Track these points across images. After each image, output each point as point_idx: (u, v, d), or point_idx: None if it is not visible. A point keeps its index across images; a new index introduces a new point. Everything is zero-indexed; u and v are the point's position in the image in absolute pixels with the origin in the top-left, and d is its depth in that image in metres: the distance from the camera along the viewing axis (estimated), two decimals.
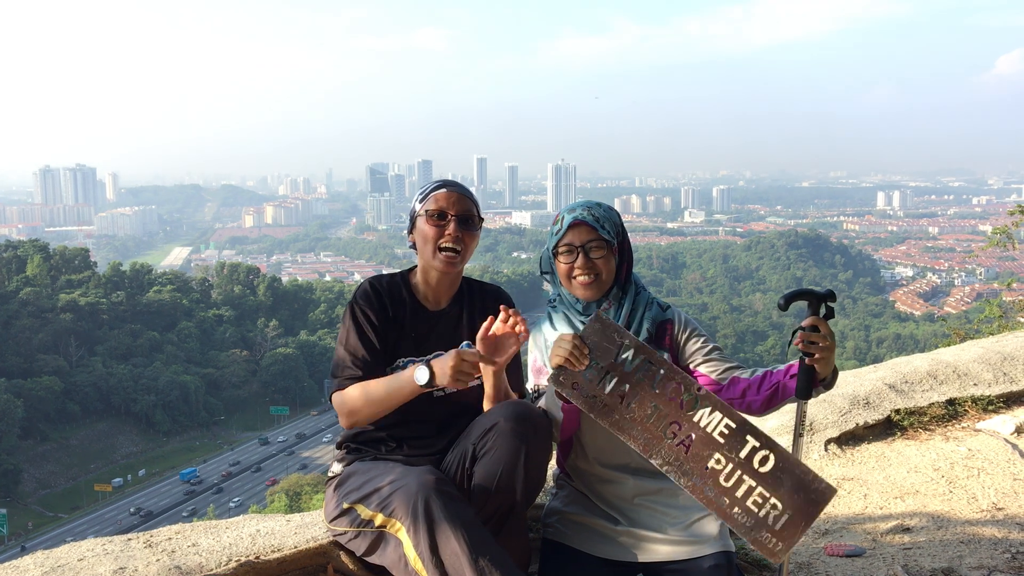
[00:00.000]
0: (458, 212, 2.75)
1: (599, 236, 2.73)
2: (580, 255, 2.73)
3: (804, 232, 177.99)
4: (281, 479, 63.42)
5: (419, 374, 2.50)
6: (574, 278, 2.76)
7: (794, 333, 2.53)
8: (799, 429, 2.60)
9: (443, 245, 2.74)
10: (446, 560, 2.32)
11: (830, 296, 2.52)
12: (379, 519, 2.53)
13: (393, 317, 2.81)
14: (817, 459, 4.74)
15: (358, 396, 2.65)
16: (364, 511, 2.58)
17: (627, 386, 2.47)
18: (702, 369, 2.76)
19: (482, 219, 2.87)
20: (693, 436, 2.42)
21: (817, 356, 2.47)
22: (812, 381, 2.53)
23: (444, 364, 2.45)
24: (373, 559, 2.64)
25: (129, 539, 3.17)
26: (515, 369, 2.87)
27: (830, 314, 2.52)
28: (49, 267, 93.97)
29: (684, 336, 2.80)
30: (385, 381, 2.63)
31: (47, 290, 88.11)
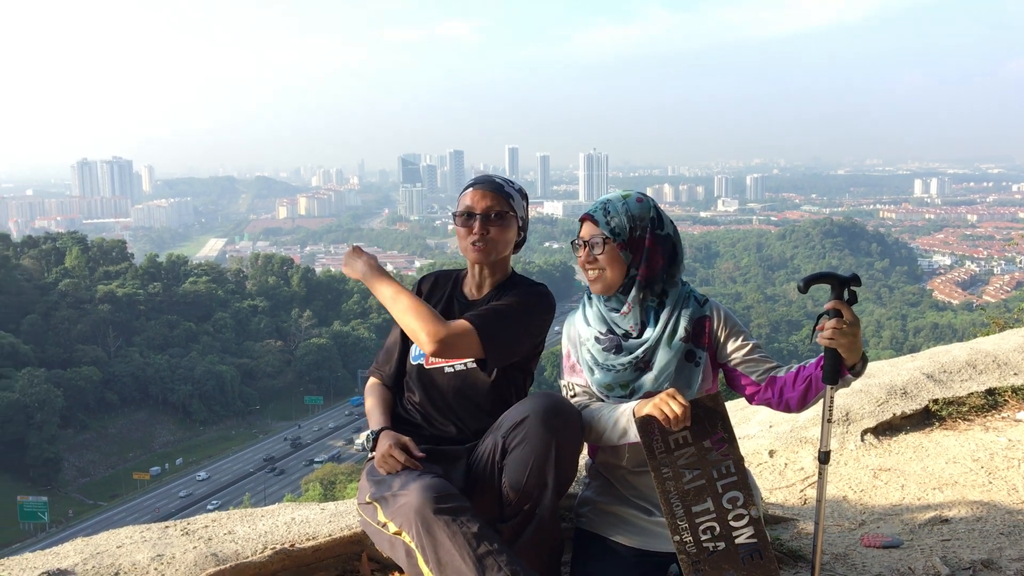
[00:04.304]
0: (483, 209, 2.81)
1: (601, 232, 2.72)
2: (585, 250, 2.75)
3: (839, 220, 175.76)
4: (315, 468, 64.15)
5: (365, 437, 2.88)
6: (586, 272, 2.79)
7: (818, 319, 2.50)
8: (827, 415, 2.58)
9: (471, 241, 2.81)
10: None
11: (853, 280, 2.47)
12: (392, 527, 2.53)
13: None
14: (853, 449, 4.68)
15: (367, 398, 3.04)
16: (380, 514, 2.59)
17: (699, 471, 2.50)
18: (741, 369, 2.73)
19: (513, 211, 2.86)
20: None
21: (840, 341, 2.44)
22: (838, 365, 2.49)
23: (381, 444, 2.73)
24: (394, 560, 2.65)
25: (166, 527, 3.22)
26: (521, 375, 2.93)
27: (853, 298, 2.48)
28: (87, 259, 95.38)
29: (724, 333, 2.76)
30: (372, 406, 2.98)
31: (85, 281, 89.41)
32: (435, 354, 2.65)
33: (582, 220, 2.81)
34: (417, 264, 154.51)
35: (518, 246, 2.96)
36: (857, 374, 2.53)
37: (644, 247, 2.73)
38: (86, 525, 59.17)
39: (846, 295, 2.47)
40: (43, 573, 2.67)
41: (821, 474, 2.64)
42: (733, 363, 2.74)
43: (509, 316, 2.73)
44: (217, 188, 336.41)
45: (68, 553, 2.96)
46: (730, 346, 2.74)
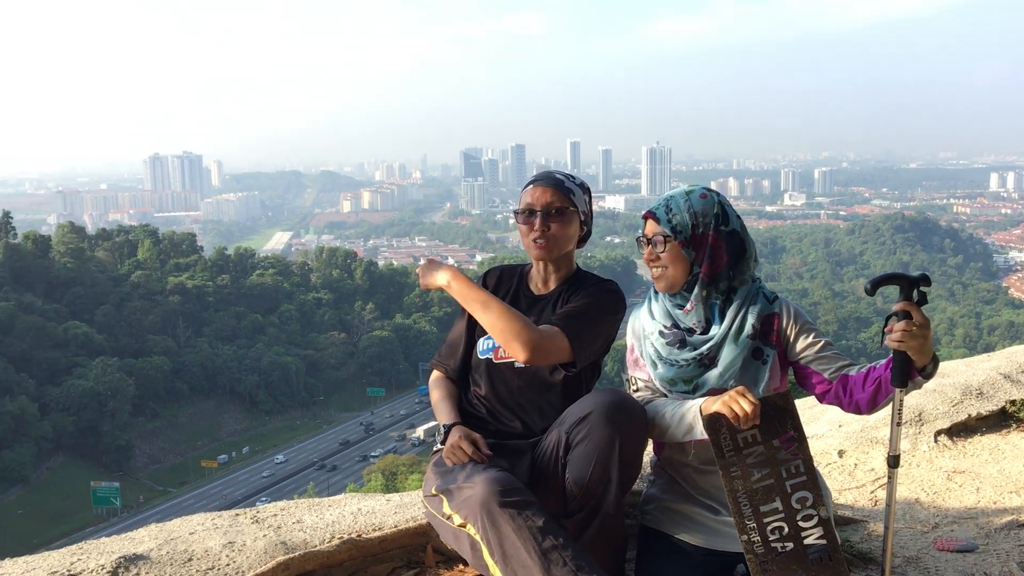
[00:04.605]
0: (543, 206, 2.82)
1: (663, 230, 2.69)
2: (648, 247, 2.74)
3: (911, 215, 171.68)
4: (377, 459, 65.09)
5: (437, 431, 2.89)
6: (650, 269, 2.77)
7: (887, 320, 2.44)
8: (896, 418, 2.52)
9: (532, 238, 2.83)
10: (518, 572, 2.34)
11: (923, 280, 2.41)
12: (457, 519, 2.55)
13: None
14: (927, 450, 4.57)
15: (432, 391, 3.06)
16: (446, 506, 2.60)
17: (767, 470, 2.46)
18: (813, 367, 2.67)
19: (574, 206, 2.85)
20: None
21: (910, 344, 2.38)
22: (907, 368, 2.43)
23: (451, 437, 2.74)
24: (459, 551, 2.67)
25: (236, 514, 3.29)
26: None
27: (923, 299, 2.41)
28: (158, 251, 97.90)
29: (794, 331, 2.70)
30: (439, 399, 2.99)
31: (156, 273, 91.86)
32: (528, 360, 2.63)
33: (645, 217, 2.78)
34: (478, 258, 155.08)
35: (583, 240, 2.95)
36: (928, 376, 2.47)
37: (707, 244, 2.69)
38: (156, 511, 60.89)
39: (915, 296, 2.41)
40: (120, 557, 2.74)
41: (891, 478, 2.58)
42: (804, 360, 2.69)
43: (589, 316, 2.73)
44: (283, 182, 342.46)
45: (143, 538, 3.05)
46: (800, 343, 2.69)
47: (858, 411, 2.60)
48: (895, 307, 2.41)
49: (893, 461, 2.57)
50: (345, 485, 60.23)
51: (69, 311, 78.49)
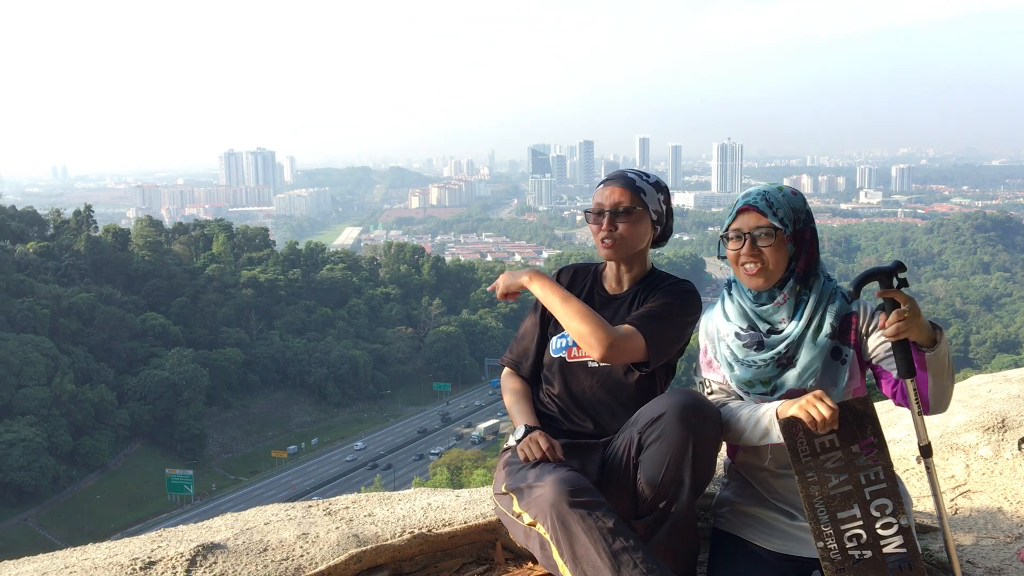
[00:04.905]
0: (611, 205, 2.81)
1: (768, 224, 2.59)
2: (747, 242, 2.61)
3: (993, 214, 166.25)
4: (442, 453, 65.67)
5: (516, 432, 2.81)
6: (741, 265, 2.65)
7: (873, 316, 2.54)
8: (915, 408, 2.52)
9: (600, 237, 2.83)
10: (588, 573, 2.34)
11: (899, 267, 2.42)
12: (527, 518, 2.55)
13: None
14: (1009, 458, 4.41)
15: (504, 389, 3.06)
16: (516, 504, 2.61)
17: (846, 476, 2.42)
18: (884, 365, 2.61)
19: (643, 206, 2.82)
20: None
21: (909, 329, 2.38)
22: (910, 357, 2.45)
23: (532, 435, 2.72)
24: (528, 549, 2.67)
25: (309, 506, 3.35)
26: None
27: (904, 285, 2.43)
28: (232, 245, 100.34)
29: (869, 329, 2.65)
30: (514, 399, 2.97)
31: (230, 267, 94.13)
32: (604, 359, 2.66)
33: (739, 211, 2.66)
34: (544, 254, 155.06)
35: (662, 240, 2.93)
36: (936, 347, 2.44)
37: (804, 239, 2.65)
38: (227, 499, 62.43)
39: (895, 284, 2.43)
40: (198, 546, 2.82)
41: (929, 469, 2.57)
42: (876, 359, 2.63)
43: (667, 317, 2.74)
44: (353, 178, 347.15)
45: (219, 527, 3.13)
46: (873, 342, 2.63)
47: (926, 411, 2.56)
48: (876, 294, 2.43)
49: (925, 451, 2.54)
50: (411, 478, 60.94)
51: (147, 303, 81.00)
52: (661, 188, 2.88)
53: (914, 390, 2.48)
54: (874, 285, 2.48)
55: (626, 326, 2.67)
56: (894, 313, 2.38)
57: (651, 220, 2.84)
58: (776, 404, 2.53)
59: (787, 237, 2.61)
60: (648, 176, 2.88)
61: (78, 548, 3.08)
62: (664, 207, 2.88)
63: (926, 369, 2.46)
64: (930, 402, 2.52)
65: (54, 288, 74.04)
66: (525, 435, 2.76)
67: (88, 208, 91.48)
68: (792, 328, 2.64)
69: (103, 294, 77.47)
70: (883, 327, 2.41)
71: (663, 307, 2.75)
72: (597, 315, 2.66)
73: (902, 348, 2.43)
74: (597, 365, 2.83)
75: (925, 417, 2.55)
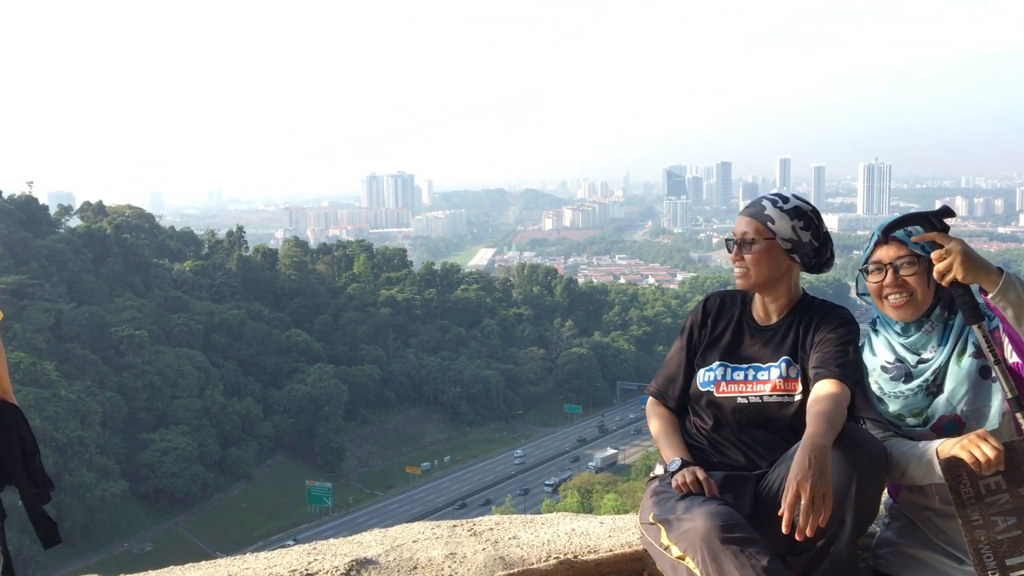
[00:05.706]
0: (738, 236, 2.81)
1: (910, 252, 2.51)
2: (889, 273, 2.55)
3: None
4: (564, 481, 65.58)
5: (671, 465, 2.75)
6: (885, 298, 2.58)
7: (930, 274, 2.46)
8: (991, 357, 2.39)
9: (735, 268, 2.84)
10: None
11: (946, 212, 2.37)
12: (675, 551, 2.50)
13: (712, 328, 2.94)
14: None
15: (651, 420, 3.01)
16: (664, 536, 2.56)
17: (1014, 520, 2.29)
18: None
19: (772, 235, 2.74)
20: None
21: (956, 267, 2.32)
22: (973, 300, 2.37)
23: (690, 468, 2.66)
24: None
25: (454, 525, 3.40)
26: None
27: (945, 229, 2.38)
28: (372, 265, 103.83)
29: (1008, 342, 2.52)
30: (663, 431, 2.92)
31: (370, 286, 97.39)
32: None
33: (878, 243, 2.60)
34: (679, 277, 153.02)
35: (820, 266, 2.83)
36: (1005, 293, 2.31)
37: None
38: (363, 512, 64.15)
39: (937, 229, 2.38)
40: (352, 560, 2.91)
41: (1018, 424, 2.42)
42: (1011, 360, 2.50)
43: (849, 354, 2.67)
44: (488, 200, 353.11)
45: (370, 543, 3.21)
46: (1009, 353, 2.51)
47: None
48: (914, 239, 2.43)
49: (1015, 404, 2.38)
50: (541, 499, 61.05)
51: (291, 320, 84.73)
52: (800, 214, 2.76)
53: (984, 337, 2.38)
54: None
55: (832, 383, 2.55)
56: (934, 254, 2.34)
57: (783, 249, 2.75)
58: (937, 443, 2.42)
59: (928, 264, 2.53)
60: (786, 201, 2.78)
61: (237, 557, 3.22)
62: (801, 234, 2.75)
63: (1003, 313, 2.37)
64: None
65: (207, 305, 78.52)
66: (680, 469, 2.70)
67: (240, 229, 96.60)
68: (938, 355, 2.55)
69: (252, 311, 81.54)
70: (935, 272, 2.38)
71: (844, 346, 2.67)
72: (822, 412, 2.48)
73: (962, 291, 2.36)
74: (747, 401, 2.76)
75: None
